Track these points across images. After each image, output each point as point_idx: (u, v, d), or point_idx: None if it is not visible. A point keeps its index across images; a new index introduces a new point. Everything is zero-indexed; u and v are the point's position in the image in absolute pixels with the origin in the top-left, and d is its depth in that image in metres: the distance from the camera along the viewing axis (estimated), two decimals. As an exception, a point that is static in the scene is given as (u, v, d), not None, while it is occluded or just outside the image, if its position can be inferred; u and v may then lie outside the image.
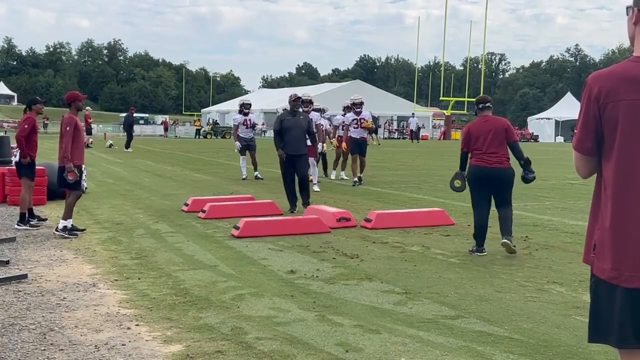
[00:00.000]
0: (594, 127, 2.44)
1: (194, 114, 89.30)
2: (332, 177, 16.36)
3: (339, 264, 6.76)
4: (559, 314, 5.04)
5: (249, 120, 16.14)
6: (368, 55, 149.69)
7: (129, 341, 4.38)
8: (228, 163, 21.85)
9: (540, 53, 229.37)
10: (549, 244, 7.94)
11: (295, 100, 10.89)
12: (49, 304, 5.29)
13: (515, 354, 4.14)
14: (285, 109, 17.78)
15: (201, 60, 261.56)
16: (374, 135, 36.79)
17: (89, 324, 4.77)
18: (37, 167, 9.55)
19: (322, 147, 14.92)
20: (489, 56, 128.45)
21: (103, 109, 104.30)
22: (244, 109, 16.16)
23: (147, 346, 4.27)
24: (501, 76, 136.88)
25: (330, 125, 16.69)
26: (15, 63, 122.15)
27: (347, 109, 15.84)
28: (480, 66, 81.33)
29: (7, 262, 6.65)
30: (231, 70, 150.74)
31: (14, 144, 16.86)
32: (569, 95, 67.64)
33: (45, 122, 54.49)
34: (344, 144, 15.33)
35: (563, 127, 60.01)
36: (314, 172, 13.82)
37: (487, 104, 7.46)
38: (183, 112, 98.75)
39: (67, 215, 8.32)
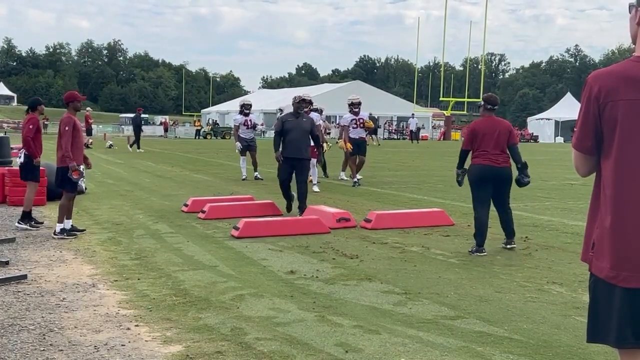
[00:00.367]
0: (593, 126, 2.44)
1: (193, 115, 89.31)
2: (344, 177, 16.31)
3: (338, 264, 6.76)
4: (559, 314, 5.04)
5: (250, 120, 16.15)
6: (368, 56, 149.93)
7: (129, 342, 4.37)
8: (228, 163, 21.86)
9: (540, 53, 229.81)
10: (548, 244, 7.94)
11: (300, 102, 10.35)
12: (48, 304, 5.29)
13: (515, 355, 4.14)
14: (280, 109, 17.76)
15: (201, 61, 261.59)
16: (373, 136, 36.82)
17: (89, 324, 4.77)
18: (37, 168, 9.54)
19: (324, 147, 14.87)
20: (489, 57, 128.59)
21: (103, 110, 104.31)
22: (245, 109, 16.17)
23: (147, 347, 4.27)
24: (501, 77, 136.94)
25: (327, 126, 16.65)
26: (15, 64, 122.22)
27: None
28: (480, 67, 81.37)
29: (7, 263, 6.65)
30: (231, 71, 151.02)
31: (14, 145, 16.90)
32: (568, 95, 67.64)
33: (45, 122, 54.46)
34: (348, 145, 15.32)
35: (563, 128, 60.00)
36: (314, 172, 13.81)
37: (496, 107, 7.53)
38: (183, 113, 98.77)
39: (62, 217, 8.28)
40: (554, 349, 4.25)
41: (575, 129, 2.56)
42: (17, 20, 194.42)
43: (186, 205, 10.62)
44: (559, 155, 30.65)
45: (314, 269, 6.49)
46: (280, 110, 16.28)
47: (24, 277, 6.11)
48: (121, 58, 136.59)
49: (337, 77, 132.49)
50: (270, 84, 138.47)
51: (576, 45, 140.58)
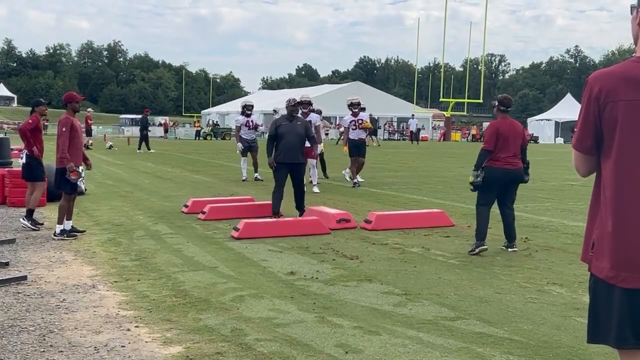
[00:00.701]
0: (593, 126, 2.44)
1: (193, 116, 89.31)
2: (359, 179, 16.26)
3: (338, 265, 6.76)
4: (559, 315, 5.03)
5: (251, 121, 16.14)
6: (368, 57, 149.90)
7: (129, 343, 4.37)
8: (228, 164, 21.86)
9: (540, 54, 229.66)
10: (549, 245, 7.94)
11: (294, 106, 9.95)
12: (48, 305, 5.29)
13: (515, 355, 4.14)
14: (274, 110, 17.65)
15: (201, 62, 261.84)
16: (373, 137, 36.81)
17: (89, 325, 4.76)
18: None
19: (320, 148, 14.85)
20: (489, 57, 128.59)
21: (103, 111, 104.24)
22: (246, 110, 16.18)
23: (147, 348, 4.27)
24: (501, 77, 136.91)
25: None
26: (15, 64, 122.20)
27: (360, 110, 15.47)
28: (480, 67, 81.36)
29: (7, 264, 6.65)
30: (231, 72, 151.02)
31: (14, 146, 16.89)
32: (568, 96, 67.60)
33: (45, 123, 54.51)
34: (345, 148, 15.30)
35: (563, 129, 59.96)
36: (314, 173, 13.82)
37: (509, 108, 7.55)
38: (183, 114, 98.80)
39: (62, 218, 8.28)
40: (554, 350, 4.25)
41: (575, 130, 2.56)
42: (17, 21, 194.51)
43: (186, 206, 10.62)
44: (559, 156, 30.65)
45: (314, 270, 6.49)
46: (275, 111, 16.15)
47: (24, 278, 6.10)
48: (121, 59, 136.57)
49: (337, 78, 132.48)
50: (270, 84, 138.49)
51: (576, 46, 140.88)
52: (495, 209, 7.52)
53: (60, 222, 8.28)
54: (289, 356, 4.09)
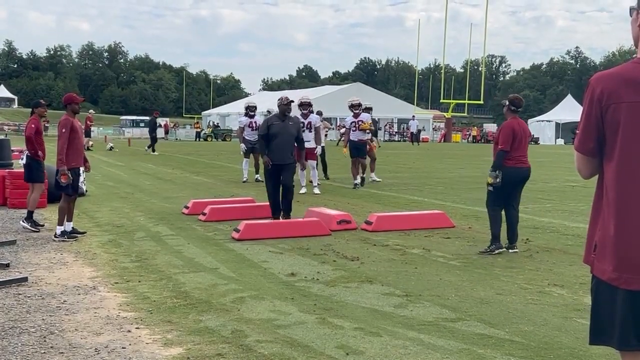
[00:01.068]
0: (595, 128, 2.44)
1: (194, 117, 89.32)
2: (375, 178, 16.25)
3: (339, 266, 6.75)
4: (560, 316, 5.03)
5: (255, 122, 16.13)
6: (368, 58, 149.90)
7: (129, 344, 4.37)
8: (228, 165, 21.86)
9: (540, 55, 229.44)
10: (549, 246, 7.94)
11: (287, 104, 9.57)
12: (49, 307, 5.28)
13: (516, 357, 4.14)
14: (268, 111, 17.55)
15: (202, 63, 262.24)
16: (374, 138, 36.75)
17: (89, 327, 4.76)
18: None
19: (321, 149, 14.83)
20: (490, 58, 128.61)
21: (103, 112, 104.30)
22: (250, 111, 16.19)
23: (148, 349, 4.27)
24: (501, 79, 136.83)
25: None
26: (15, 66, 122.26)
27: (366, 110, 15.44)
28: (480, 68, 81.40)
29: (8, 265, 6.65)
30: (232, 73, 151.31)
31: (14, 147, 16.92)
32: (569, 97, 67.64)
33: (46, 124, 54.53)
34: (344, 149, 15.26)
35: (563, 130, 59.97)
36: (314, 174, 13.81)
37: (520, 109, 7.59)
38: (183, 115, 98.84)
39: (62, 220, 8.28)
40: (555, 351, 4.24)
41: (577, 131, 2.55)
42: (18, 23, 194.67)
43: (187, 208, 10.62)
44: (559, 157, 30.64)
45: (315, 271, 6.48)
46: (269, 112, 16.05)
47: (25, 279, 6.10)
48: (122, 60, 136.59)
49: (337, 79, 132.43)
50: (270, 86, 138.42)
51: (577, 47, 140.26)
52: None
53: (60, 223, 8.28)
54: (290, 357, 4.09)
